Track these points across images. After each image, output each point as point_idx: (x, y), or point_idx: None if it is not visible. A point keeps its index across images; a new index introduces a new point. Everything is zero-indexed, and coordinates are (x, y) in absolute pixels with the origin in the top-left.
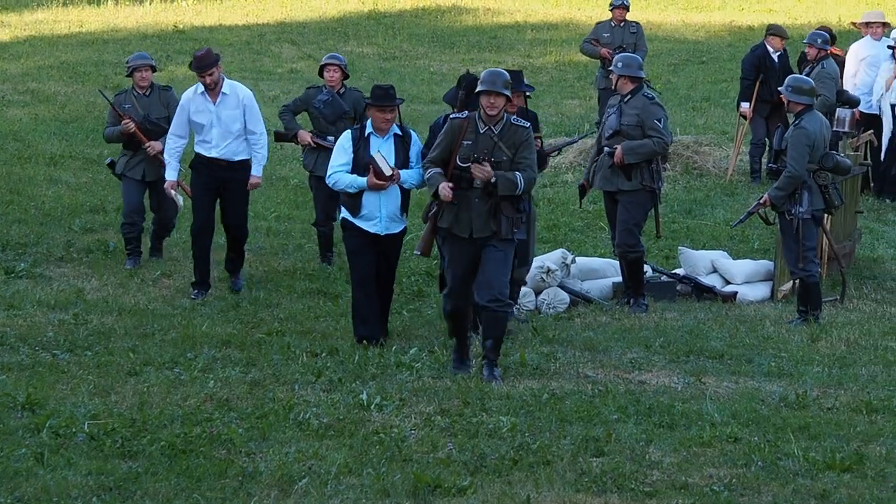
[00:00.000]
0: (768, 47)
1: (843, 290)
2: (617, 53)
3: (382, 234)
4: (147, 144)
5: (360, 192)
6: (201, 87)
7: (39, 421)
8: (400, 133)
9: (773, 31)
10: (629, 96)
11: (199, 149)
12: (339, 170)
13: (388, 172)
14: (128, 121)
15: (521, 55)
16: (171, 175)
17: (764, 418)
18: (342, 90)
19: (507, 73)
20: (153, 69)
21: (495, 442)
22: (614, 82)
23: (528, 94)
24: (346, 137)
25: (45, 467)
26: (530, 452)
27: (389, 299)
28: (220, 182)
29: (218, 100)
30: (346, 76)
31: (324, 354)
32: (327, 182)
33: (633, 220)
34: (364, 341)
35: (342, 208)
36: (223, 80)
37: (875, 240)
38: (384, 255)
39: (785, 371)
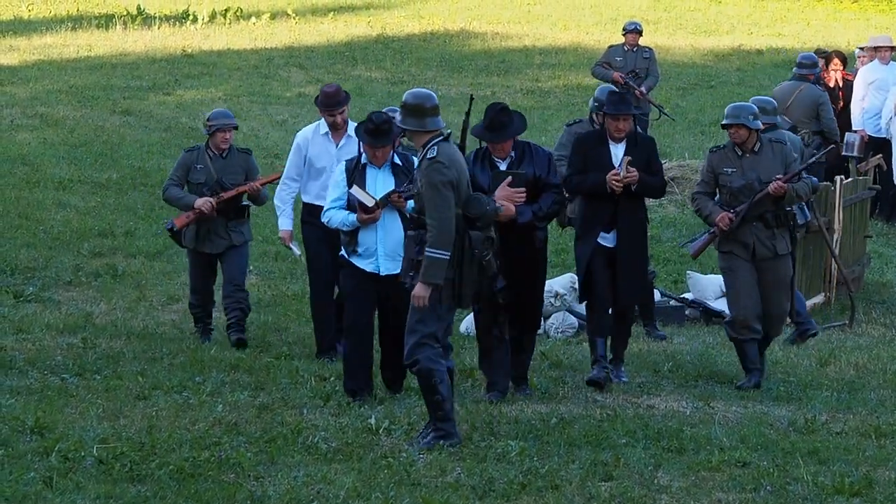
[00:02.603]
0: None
1: (851, 314)
2: (629, 78)
3: (381, 274)
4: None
5: (356, 229)
6: (324, 128)
7: (48, 445)
8: (399, 162)
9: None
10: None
11: (310, 199)
12: (332, 206)
13: (369, 203)
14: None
15: (530, 79)
16: (286, 224)
17: (773, 443)
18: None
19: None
20: (236, 129)
21: (504, 466)
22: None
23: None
24: (339, 170)
25: (54, 491)
26: (539, 477)
27: (402, 350)
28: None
29: (341, 142)
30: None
31: (332, 378)
32: (322, 220)
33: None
34: (351, 396)
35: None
36: (348, 121)
37: (884, 264)
38: (387, 297)
39: (793, 395)
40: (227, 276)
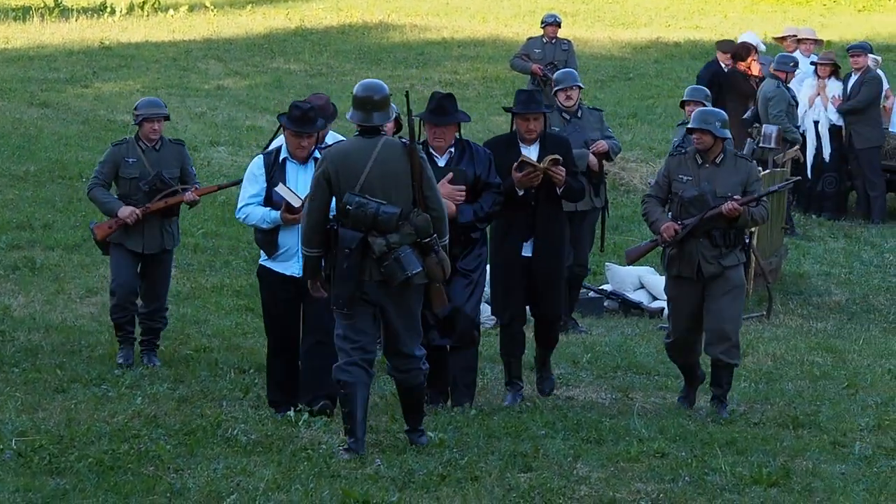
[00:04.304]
0: (721, 64)
1: (769, 305)
2: (547, 70)
3: (298, 276)
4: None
5: (275, 229)
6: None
7: None
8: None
9: (721, 46)
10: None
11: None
12: (249, 202)
13: (296, 203)
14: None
15: (448, 71)
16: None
17: (691, 433)
18: None
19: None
20: (167, 119)
21: (423, 458)
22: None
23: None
24: (256, 164)
25: None
26: (458, 468)
27: (328, 359)
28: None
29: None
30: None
31: (252, 371)
32: (237, 217)
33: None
34: (275, 408)
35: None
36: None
37: (801, 256)
38: (308, 301)
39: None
40: (151, 290)
